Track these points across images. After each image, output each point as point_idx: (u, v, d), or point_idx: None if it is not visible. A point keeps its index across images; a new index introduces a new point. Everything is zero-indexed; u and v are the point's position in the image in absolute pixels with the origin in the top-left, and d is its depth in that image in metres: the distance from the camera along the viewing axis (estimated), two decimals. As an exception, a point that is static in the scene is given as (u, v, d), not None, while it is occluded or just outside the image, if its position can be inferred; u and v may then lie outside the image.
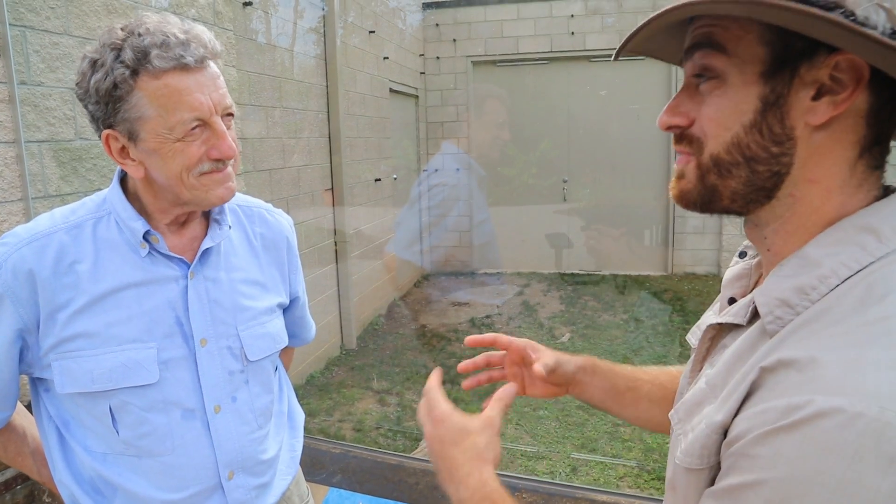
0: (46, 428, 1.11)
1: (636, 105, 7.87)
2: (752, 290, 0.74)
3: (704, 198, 0.66)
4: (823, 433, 0.47)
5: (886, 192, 0.63)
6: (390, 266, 7.12)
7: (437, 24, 8.39)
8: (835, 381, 0.49)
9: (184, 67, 0.97)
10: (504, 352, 1.04)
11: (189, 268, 1.10)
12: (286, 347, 1.30)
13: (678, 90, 0.68)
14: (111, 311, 1.04)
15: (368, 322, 6.56)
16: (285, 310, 1.30)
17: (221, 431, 1.12)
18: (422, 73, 8.44)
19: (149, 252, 1.07)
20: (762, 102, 0.60)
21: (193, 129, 0.99)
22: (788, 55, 0.58)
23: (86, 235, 1.06)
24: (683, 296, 7.11)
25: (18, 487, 2.32)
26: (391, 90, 7.25)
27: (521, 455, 3.87)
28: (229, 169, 1.06)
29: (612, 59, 0.73)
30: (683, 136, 0.66)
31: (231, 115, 1.05)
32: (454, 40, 8.40)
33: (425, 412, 0.86)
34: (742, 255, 0.79)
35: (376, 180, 6.78)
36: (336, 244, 5.72)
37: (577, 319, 6.58)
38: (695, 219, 7.89)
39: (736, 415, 0.56)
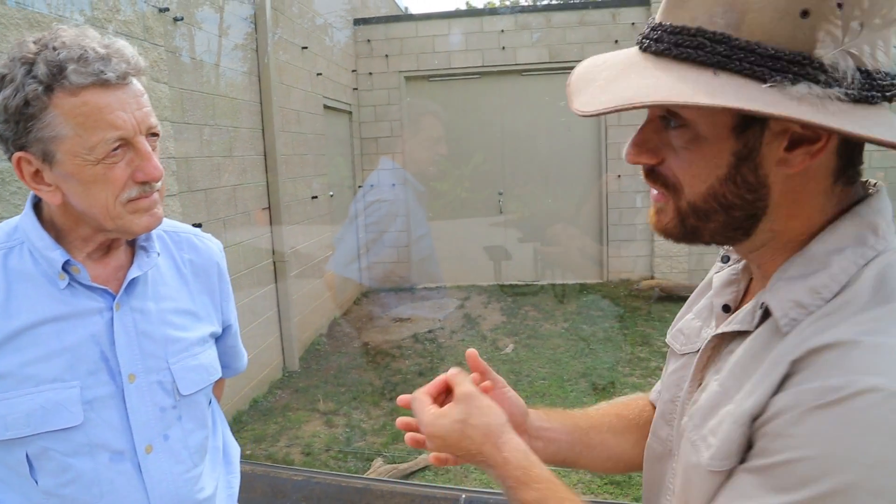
0: None
1: (564, 118, 8.04)
2: (744, 295, 0.75)
3: (687, 236, 0.67)
4: (860, 411, 0.48)
5: (864, 187, 0.65)
6: (330, 284, 7.00)
7: (368, 40, 8.37)
8: (870, 362, 0.50)
9: (104, 84, 0.90)
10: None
11: (114, 299, 1.03)
12: (218, 380, 1.23)
13: (642, 124, 0.66)
14: (26, 348, 0.96)
15: (310, 342, 6.42)
16: (217, 339, 1.24)
17: (154, 473, 1.04)
18: (355, 88, 8.39)
19: (68, 283, 0.99)
20: (735, 157, 0.60)
21: (115, 149, 0.92)
22: None
23: None
24: (620, 302, 7.29)
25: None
26: (325, 106, 7.17)
27: (474, 468, 3.85)
28: (156, 195, 1.00)
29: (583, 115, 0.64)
30: (656, 175, 0.66)
31: (156, 134, 0.99)
32: (386, 56, 8.39)
33: (421, 417, 0.81)
34: (725, 259, 0.80)
35: (313, 198, 6.67)
36: (275, 264, 5.58)
37: (519, 330, 6.64)
38: (626, 227, 8.13)
39: (768, 401, 0.57)
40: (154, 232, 1.09)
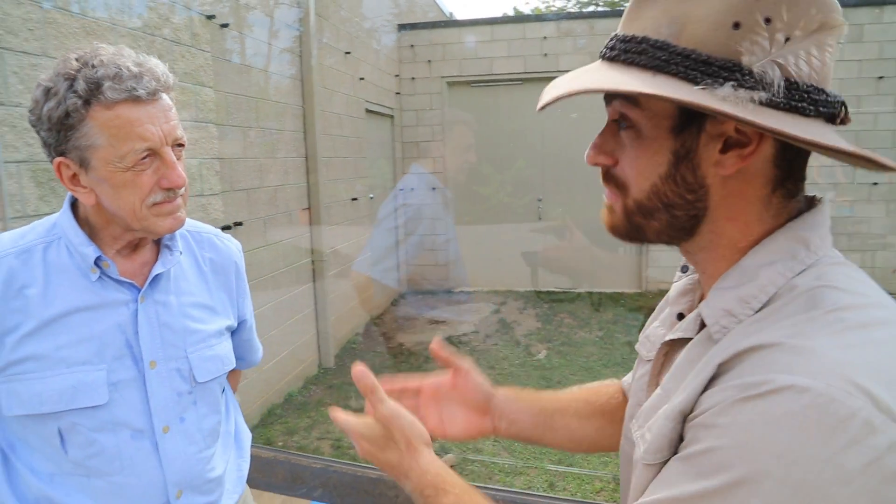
0: None
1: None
2: (697, 304, 0.78)
3: (632, 234, 0.71)
4: (775, 405, 0.52)
5: (810, 202, 0.69)
6: (367, 285, 7.14)
7: (411, 45, 8.50)
8: (790, 363, 0.54)
9: (135, 99, 1.00)
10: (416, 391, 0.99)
11: (139, 292, 1.12)
12: (233, 370, 1.33)
13: (602, 129, 0.72)
14: (61, 334, 1.06)
15: (346, 341, 6.55)
16: (233, 333, 1.33)
17: (169, 451, 1.14)
18: (397, 93, 8.52)
19: (99, 277, 1.09)
20: (674, 156, 0.64)
21: (143, 158, 1.02)
22: (694, 112, 0.62)
23: (35, 260, 1.07)
24: (657, 311, 7.20)
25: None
26: (367, 110, 7.31)
27: (500, 471, 3.90)
28: (179, 200, 1.09)
29: (537, 110, 0.69)
30: (609, 176, 0.71)
31: (182, 145, 1.08)
32: (429, 61, 8.51)
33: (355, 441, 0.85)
34: (685, 269, 0.83)
35: (353, 199, 6.82)
36: (313, 263, 5.73)
37: (553, 336, 6.64)
38: (667, 236, 8.03)
39: (697, 400, 0.61)
40: (178, 232, 1.18)
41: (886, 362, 0.54)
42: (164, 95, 1.05)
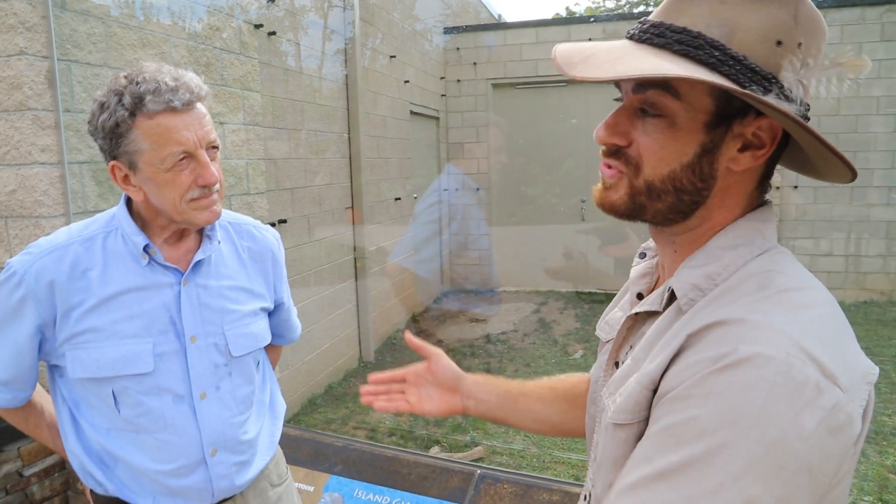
0: (60, 408, 1.31)
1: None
2: (655, 286, 0.88)
3: (631, 212, 0.76)
4: (746, 373, 0.59)
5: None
6: (392, 275, 7.32)
7: (457, 48, 8.64)
8: (753, 335, 0.61)
9: (173, 110, 1.16)
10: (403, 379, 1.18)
11: (182, 276, 1.29)
12: (274, 346, 1.51)
13: (616, 110, 0.75)
14: (116, 310, 1.23)
15: (387, 336, 6.75)
16: (272, 313, 1.50)
17: (206, 415, 1.30)
18: (443, 95, 8.68)
19: (149, 262, 1.26)
20: (701, 148, 0.70)
21: (181, 160, 1.18)
22: (728, 111, 0.69)
23: (97, 247, 1.26)
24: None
25: (56, 475, 2.54)
26: (412, 112, 7.49)
27: (527, 464, 4.01)
28: (214, 195, 1.25)
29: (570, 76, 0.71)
30: (619, 154, 0.75)
31: (216, 147, 1.24)
32: (475, 63, 8.64)
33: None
34: (642, 255, 0.93)
35: (396, 199, 7.01)
36: (355, 260, 5.94)
37: (591, 337, 6.68)
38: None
39: (665, 371, 0.67)
40: (218, 223, 1.36)
41: (828, 335, 0.64)
42: (199, 105, 1.22)
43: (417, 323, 7.41)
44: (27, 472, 2.43)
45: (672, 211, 0.74)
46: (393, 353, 6.44)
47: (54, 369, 1.30)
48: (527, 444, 4.28)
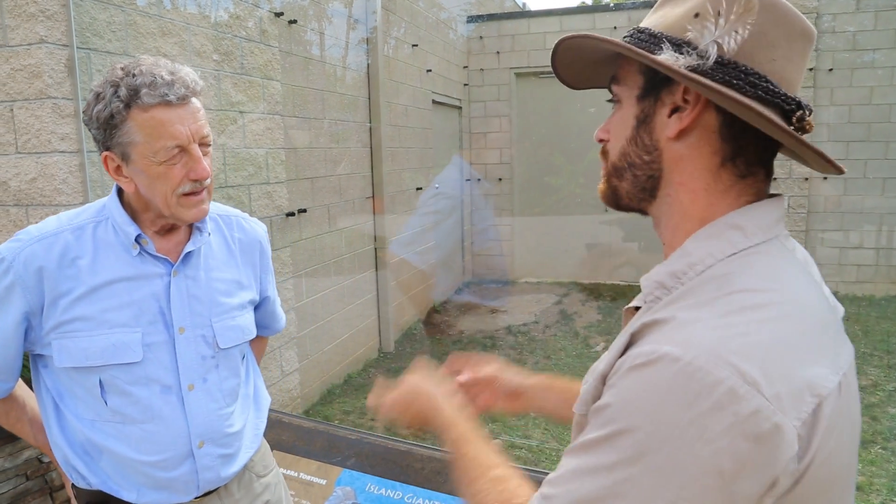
0: (44, 398, 1.30)
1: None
2: None
3: (612, 197, 0.83)
4: (651, 372, 0.61)
5: (769, 197, 0.76)
6: (429, 273, 7.30)
7: (480, 37, 8.57)
8: (672, 335, 0.63)
9: (168, 103, 1.16)
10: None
11: (172, 267, 1.29)
12: (259, 337, 1.50)
13: None
14: (105, 299, 1.23)
15: (408, 326, 6.75)
16: (258, 306, 1.49)
17: (193, 406, 1.30)
18: (465, 84, 8.62)
19: (139, 252, 1.26)
20: (637, 120, 0.77)
21: (174, 154, 1.18)
22: (655, 83, 0.75)
23: (87, 236, 1.26)
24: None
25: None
26: (434, 101, 7.45)
27: (546, 458, 3.97)
28: (204, 192, 1.25)
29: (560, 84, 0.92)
30: (604, 150, 0.84)
31: (208, 143, 1.24)
32: (498, 52, 8.56)
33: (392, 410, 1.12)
34: None
35: (417, 189, 6.98)
36: (375, 250, 5.93)
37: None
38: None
39: (615, 364, 0.70)
40: (209, 216, 1.36)
41: (765, 341, 0.61)
42: (194, 99, 1.22)
43: (439, 314, 7.40)
44: (46, 459, 2.45)
45: (634, 188, 0.79)
46: (413, 343, 6.44)
47: (38, 359, 1.30)
48: (546, 437, 4.24)
